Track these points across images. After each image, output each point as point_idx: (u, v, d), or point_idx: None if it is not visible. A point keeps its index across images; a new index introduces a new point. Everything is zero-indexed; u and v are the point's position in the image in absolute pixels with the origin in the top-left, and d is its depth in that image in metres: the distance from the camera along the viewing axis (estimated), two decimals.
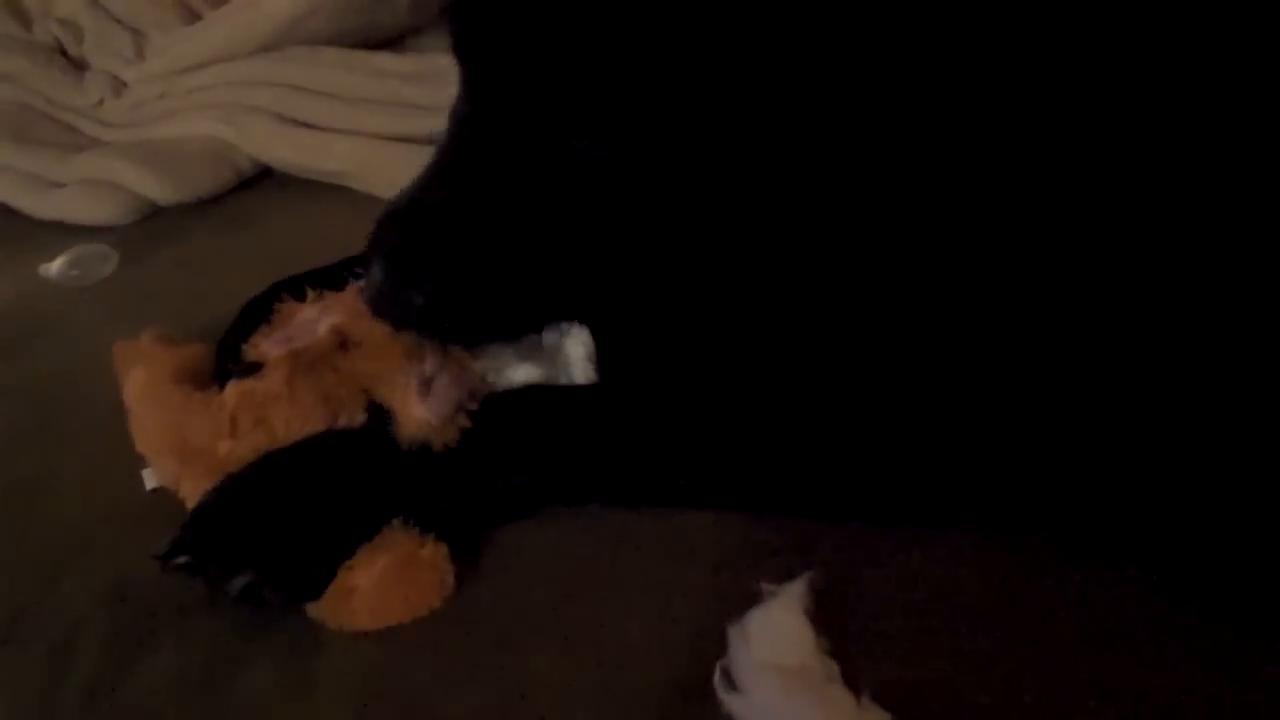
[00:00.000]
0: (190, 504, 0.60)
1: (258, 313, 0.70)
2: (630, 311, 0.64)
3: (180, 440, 0.63)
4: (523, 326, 0.65)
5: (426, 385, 0.61)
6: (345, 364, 0.64)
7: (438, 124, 1.02)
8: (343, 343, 0.65)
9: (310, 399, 0.62)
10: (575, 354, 0.65)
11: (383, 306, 0.62)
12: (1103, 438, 0.55)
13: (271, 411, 0.62)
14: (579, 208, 0.59)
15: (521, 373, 0.65)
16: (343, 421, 0.63)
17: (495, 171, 0.60)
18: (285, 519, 0.58)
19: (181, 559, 0.56)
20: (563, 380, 0.65)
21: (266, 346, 0.66)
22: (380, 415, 0.62)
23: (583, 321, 0.65)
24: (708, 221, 0.60)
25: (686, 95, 0.55)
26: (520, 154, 0.59)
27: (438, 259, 0.61)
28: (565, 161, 0.58)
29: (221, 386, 0.65)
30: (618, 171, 0.58)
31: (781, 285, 0.61)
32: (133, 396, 0.67)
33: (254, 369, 0.64)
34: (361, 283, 0.71)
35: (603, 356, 0.65)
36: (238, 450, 0.62)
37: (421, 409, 0.60)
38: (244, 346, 0.67)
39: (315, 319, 0.66)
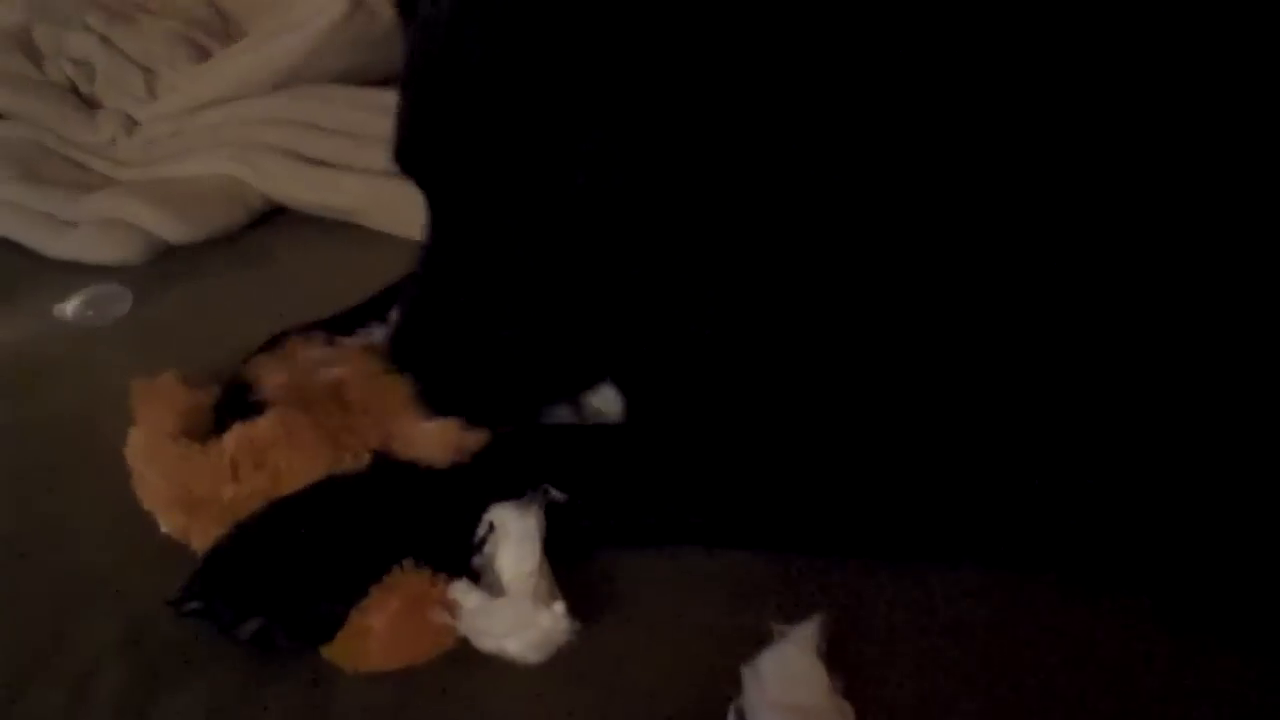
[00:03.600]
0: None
1: None
2: (640, 350, 0.65)
3: (184, 491, 0.63)
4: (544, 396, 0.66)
5: None
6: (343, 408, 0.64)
7: None
8: (340, 396, 0.65)
9: (309, 437, 0.63)
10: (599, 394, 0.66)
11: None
12: (1109, 476, 0.55)
13: (272, 453, 0.62)
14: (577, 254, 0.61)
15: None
16: (348, 461, 0.63)
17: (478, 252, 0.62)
18: (294, 563, 0.58)
19: (193, 605, 0.57)
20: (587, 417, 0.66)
21: (261, 371, 0.67)
22: (385, 459, 0.62)
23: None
24: (707, 252, 0.61)
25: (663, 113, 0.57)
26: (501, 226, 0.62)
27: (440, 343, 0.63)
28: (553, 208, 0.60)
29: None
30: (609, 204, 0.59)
31: (792, 323, 0.61)
32: (133, 455, 0.67)
33: (254, 410, 0.65)
34: (371, 335, 0.73)
35: (621, 392, 0.65)
36: (242, 494, 0.62)
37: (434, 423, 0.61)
38: (243, 366, 0.67)
39: (322, 362, 0.67)
